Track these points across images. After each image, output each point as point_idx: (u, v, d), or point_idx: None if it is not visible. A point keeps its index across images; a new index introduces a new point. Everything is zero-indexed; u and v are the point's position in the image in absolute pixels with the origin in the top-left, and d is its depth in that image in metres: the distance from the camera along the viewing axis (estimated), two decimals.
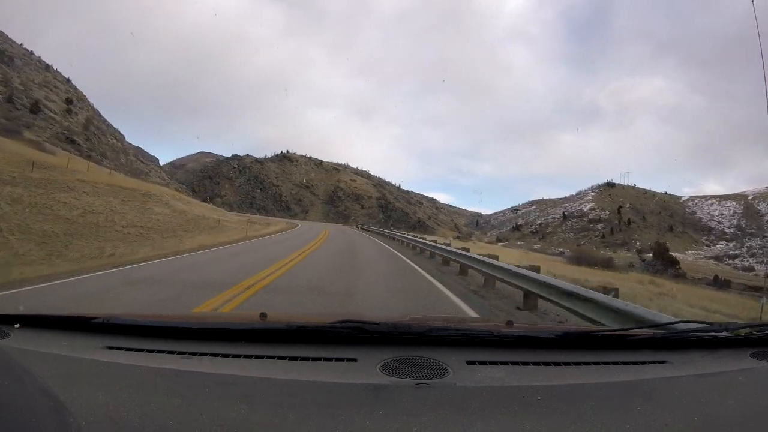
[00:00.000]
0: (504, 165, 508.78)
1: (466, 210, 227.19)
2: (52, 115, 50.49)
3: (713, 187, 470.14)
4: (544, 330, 1.64)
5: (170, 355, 1.12)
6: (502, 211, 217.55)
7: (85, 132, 52.85)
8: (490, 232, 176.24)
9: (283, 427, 0.81)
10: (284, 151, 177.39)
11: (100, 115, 75.29)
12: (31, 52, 70.97)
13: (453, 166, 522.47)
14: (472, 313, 5.63)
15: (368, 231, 40.40)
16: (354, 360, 1.13)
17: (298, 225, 48.01)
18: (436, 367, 1.10)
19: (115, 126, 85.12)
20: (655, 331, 1.46)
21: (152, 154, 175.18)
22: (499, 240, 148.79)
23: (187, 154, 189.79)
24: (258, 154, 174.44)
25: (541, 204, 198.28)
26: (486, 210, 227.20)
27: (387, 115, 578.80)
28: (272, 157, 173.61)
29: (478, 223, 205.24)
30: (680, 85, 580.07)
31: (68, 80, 73.31)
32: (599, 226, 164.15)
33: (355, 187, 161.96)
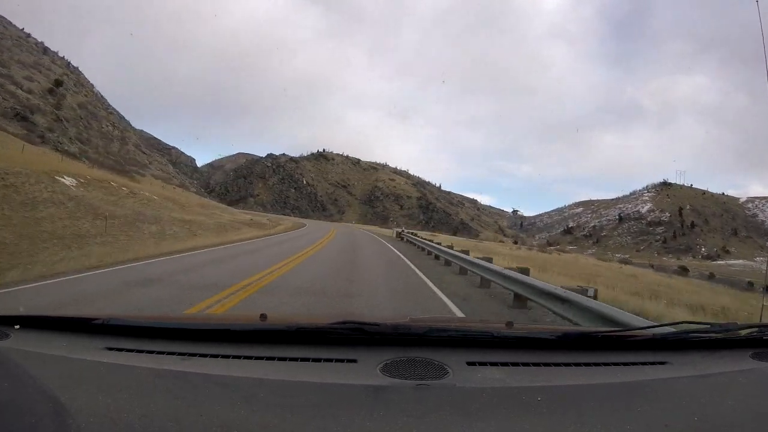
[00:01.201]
0: (544, 166, 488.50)
1: (506, 211, 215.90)
2: (14, 90, 45.63)
3: (757, 188, 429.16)
4: (544, 331, 1.60)
5: (170, 356, 1.12)
6: (548, 213, 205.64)
7: (56, 112, 47.26)
8: (538, 235, 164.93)
9: (283, 428, 0.81)
10: (320, 150, 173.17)
11: (104, 103, 71.64)
12: (28, 35, 67.40)
13: (492, 166, 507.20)
14: None
15: (410, 241, 23.13)
16: (354, 361, 1.14)
17: (305, 225, 43.18)
18: (437, 368, 1.10)
19: (126, 117, 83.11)
20: (655, 332, 1.43)
21: (189, 154, 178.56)
22: (549, 244, 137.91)
23: (226, 155, 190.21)
24: (294, 154, 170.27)
25: (589, 205, 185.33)
26: (527, 211, 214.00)
27: (425, 115, 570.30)
28: (308, 155, 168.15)
29: (522, 225, 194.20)
30: (723, 83, 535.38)
31: (69, 64, 69.77)
32: (659, 229, 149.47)
33: (394, 187, 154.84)
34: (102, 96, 76.90)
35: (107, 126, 59.16)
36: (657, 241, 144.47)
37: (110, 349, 1.15)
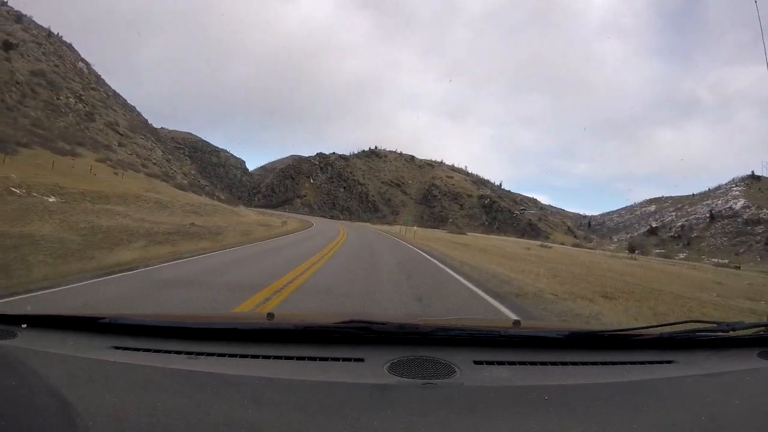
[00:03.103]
0: (600, 164, 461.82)
1: (567, 211, 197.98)
2: None
3: None
4: (550, 330, 1.60)
5: (177, 355, 1.12)
6: (617, 212, 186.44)
7: None
8: (615, 236, 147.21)
9: (291, 427, 0.80)
10: (372, 147, 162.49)
11: (89, 81, 63.54)
12: (4, 2, 59.97)
13: (546, 165, 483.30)
14: None
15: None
16: (361, 360, 1.13)
17: (313, 224, 36.20)
18: (443, 367, 1.09)
19: (122, 94, 75.03)
20: (662, 330, 1.41)
21: (238, 156, 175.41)
22: (632, 248, 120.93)
23: (279, 157, 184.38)
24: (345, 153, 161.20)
25: (661, 202, 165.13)
26: (586, 210, 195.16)
27: (478, 115, 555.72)
28: (358, 153, 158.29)
29: (590, 225, 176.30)
30: None
31: (50, 34, 62.54)
32: (758, 229, 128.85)
33: (453, 185, 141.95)
34: (100, 77, 69.74)
35: (68, 99, 49.51)
36: (758, 242, 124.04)
37: (117, 348, 1.14)
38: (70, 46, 67.68)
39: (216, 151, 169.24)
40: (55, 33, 66.49)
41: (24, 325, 1.22)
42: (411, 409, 0.88)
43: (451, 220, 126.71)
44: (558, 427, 0.86)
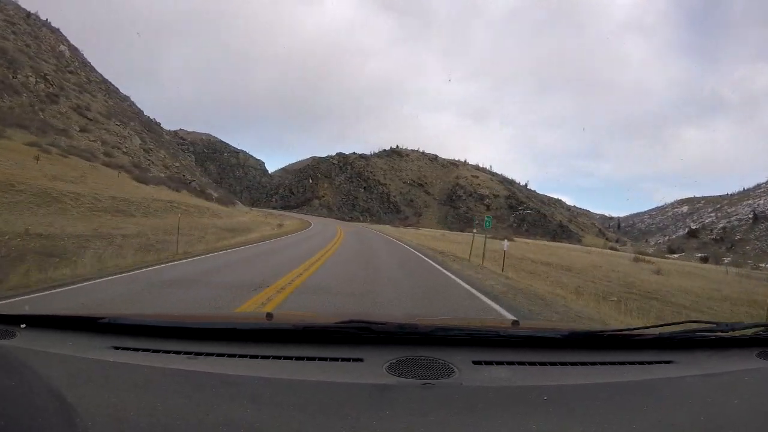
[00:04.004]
0: (624, 164, 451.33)
1: (592, 212, 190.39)
2: None
3: None
4: (549, 330, 1.59)
5: (177, 355, 1.12)
6: (647, 212, 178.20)
7: None
8: (651, 239, 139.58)
9: (290, 427, 0.81)
10: (393, 146, 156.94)
11: (84, 64, 59.41)
12: None
13: (570, 166, 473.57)
14: None
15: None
16: (360, 360, 1.13)
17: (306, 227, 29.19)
18: (443, 367, 1.10)
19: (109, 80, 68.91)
20: (662, 331, 1.41)
21: (258, 158, 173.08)
22: (671, 251, 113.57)
23: (300, 158, 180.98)
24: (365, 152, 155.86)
25: (693, 203, 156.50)
26: (611, 212, 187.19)
27: (500, 115, 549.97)
28: (379, 152, 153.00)
29: (619, 226, 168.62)
30: None
31: (29, 15, 57.94)
32: None
33: (478, 185, 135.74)
34: (89, 63, 65.07)
35: (27, 78, 43.71)
36: None
37: (117, 348, 1.14)
38: (56, 31, 63.32)
39: (235, 152, 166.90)
40: (44, 19, 62.56)
41: (23, 325, 1.22)
42: (410, 409, 0.89)
43: (477, 221, 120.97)
44: (557, 428, 0.85)
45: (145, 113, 72.47)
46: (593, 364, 1.21)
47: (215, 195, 55.29)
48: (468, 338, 1.29)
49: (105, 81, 66.74)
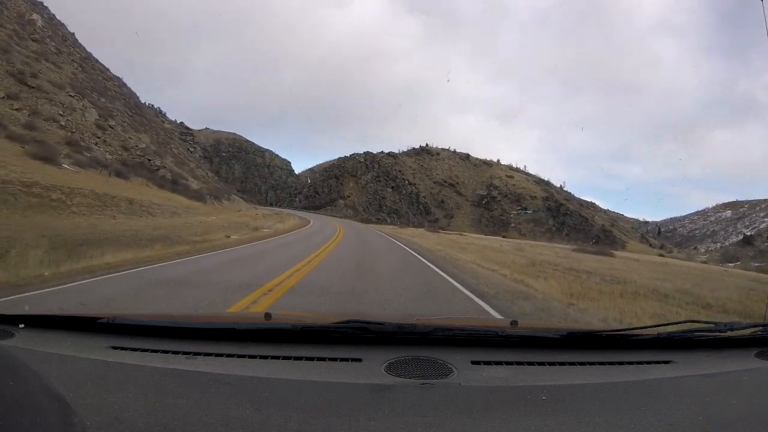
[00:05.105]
0: (654, 167, 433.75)
1: (627, 216, 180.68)
2: None
3: None
4: (548, 330, 1.60)
5: (175, 355, 1.12)
6: (687, 216, 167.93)
7: None
8: (701, 245, 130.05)
9: (288, 427, 0.81)
10: (423, 145, 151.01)
11: (64, 39, 55.08)
12: None
13: (599, 168, 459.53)
14: None
15: None
16: (359, 360, 1.14)
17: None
18: (441, 367, 1.10)
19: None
20: (660, 331, 1.41)
21: (284, 158, 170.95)
22: (726, 259, 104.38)
23: (327, 159, 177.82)
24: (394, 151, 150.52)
25: (736, 207, 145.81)
26: (644, 216, 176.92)
27: (528, 117, 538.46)
28: (408, 150, 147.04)
29: (659, 232, 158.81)
30: None
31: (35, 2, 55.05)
32: None
33: (513, 185, 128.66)
34: (74, 40, 61.50)
35: (15, 67, 39.06)
36: None
37: (115, 348, 1.14)
38: (38, 4, 59.19)
39: (261, 151, 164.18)
40: None
41: (22, 325, 1.22)
42: (409, 409, 0.88)
43: (513, 225, 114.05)
44: (556, 428, 0.85)
45: (141, 99, 67.62)
46: (592, 364, 1.21)
47: (195, 187, 46.94)
48: (467, 338, 1.28)
49: (89, 58, 62.22)
